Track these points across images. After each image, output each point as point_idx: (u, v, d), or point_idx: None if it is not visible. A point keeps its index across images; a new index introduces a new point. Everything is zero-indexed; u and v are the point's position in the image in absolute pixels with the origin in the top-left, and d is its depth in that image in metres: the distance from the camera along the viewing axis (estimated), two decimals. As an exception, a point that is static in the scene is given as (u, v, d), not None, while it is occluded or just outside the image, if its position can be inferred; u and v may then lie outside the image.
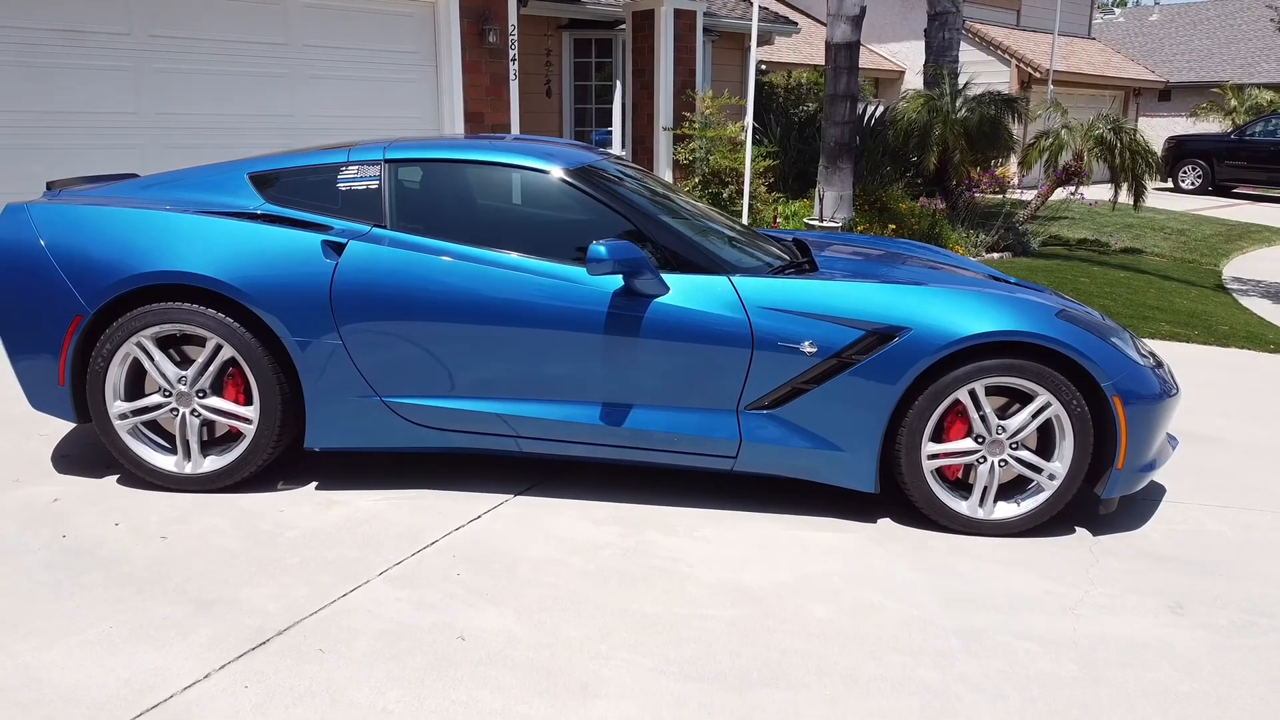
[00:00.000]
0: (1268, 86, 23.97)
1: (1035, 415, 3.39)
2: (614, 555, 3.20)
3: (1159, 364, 3.75)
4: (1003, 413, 3.44)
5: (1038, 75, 19.94)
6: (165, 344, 3.48)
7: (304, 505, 3.48)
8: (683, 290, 3.40)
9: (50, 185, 3.96)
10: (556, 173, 3.59)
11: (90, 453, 3.87)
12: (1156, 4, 33.40)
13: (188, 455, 3.52)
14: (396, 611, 2.78)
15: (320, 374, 3.44)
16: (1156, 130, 26.12)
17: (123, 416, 3.49)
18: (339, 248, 3.42)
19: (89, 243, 3.42)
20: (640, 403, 3.46)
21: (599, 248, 3.20)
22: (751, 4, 9.14)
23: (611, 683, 2.49)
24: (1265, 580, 3.26)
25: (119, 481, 3.61)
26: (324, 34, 8.13)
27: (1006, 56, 20.38)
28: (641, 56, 10.39)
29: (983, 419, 3.40)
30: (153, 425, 3.57)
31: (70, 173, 6.88)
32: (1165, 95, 26.15)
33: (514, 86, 9.07)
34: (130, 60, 7.21)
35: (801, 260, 3.95)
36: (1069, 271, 9.97)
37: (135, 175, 4.47)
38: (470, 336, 3.41)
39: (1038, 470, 3.45)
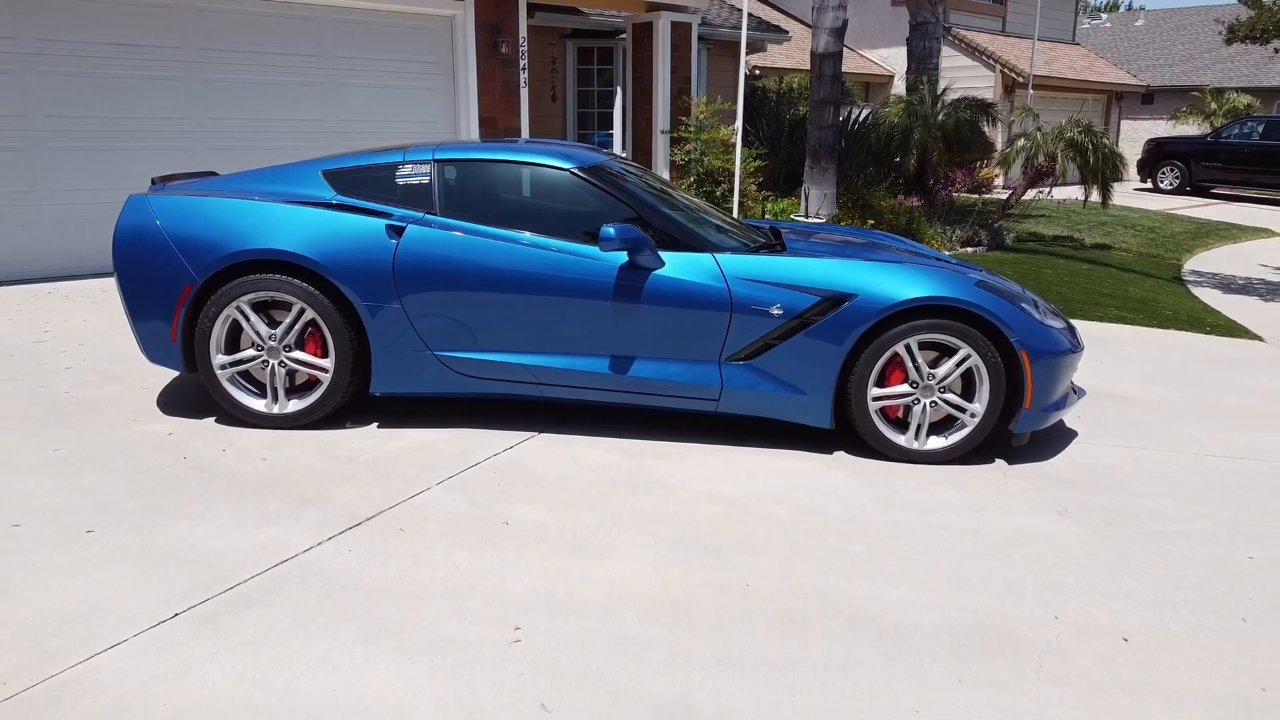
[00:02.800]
0: (1245, 90, 24.81)
1: (959, 365, 4.22)
2: (619, 473, 4.04)
3: (1068, 327, 4.59)
4: (933, 363, 4.27)
5: (1020, 80, 20.78)
6: (258, 308, 4.30)
7: (370, 439, 4.31)
8: (676, 264, 4.23)
9: (154, 181, 4.78)
10: (574, 170, 4.42)
11: (189, 399, 4.70)
12: (1142, 10, 34.23)
13: (275, 399, 4.35)
14: (454, 506, 3.61)
15: (384, 333, 4.27)
16: (1139, 132, 27.00)
17: (223, 367, 4.32)
18: (399, 231, 4.25)
19: (199, 226, 4.25)
20: (640, 356, 4.29)
21: (609, 229, 4.04)
22: (744, 13, 9.92)
23: (620, 550, 3.32)
24: (1140, 495, 4.10)
25: (217, 421, 4.44)
26: (353, 46, 8.97)
27: (991, 62, 21.23)
28: (641, 65, 11.22)
29: (916, 368, 4.23)
30: (246, 375, 4.39)
31: (128, 172, 7.77)
32: (1148, 99, 27.00)
33: (524, 93, 9.91)
34: (181, 71, 8.04)
35: (774, 242, 4.79)
36: (1034, 264, 10.81)
37: (215, 173, 5.30)
38: (504, 302, 4.24)
39: (962, 410, 4.28)
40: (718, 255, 4.28)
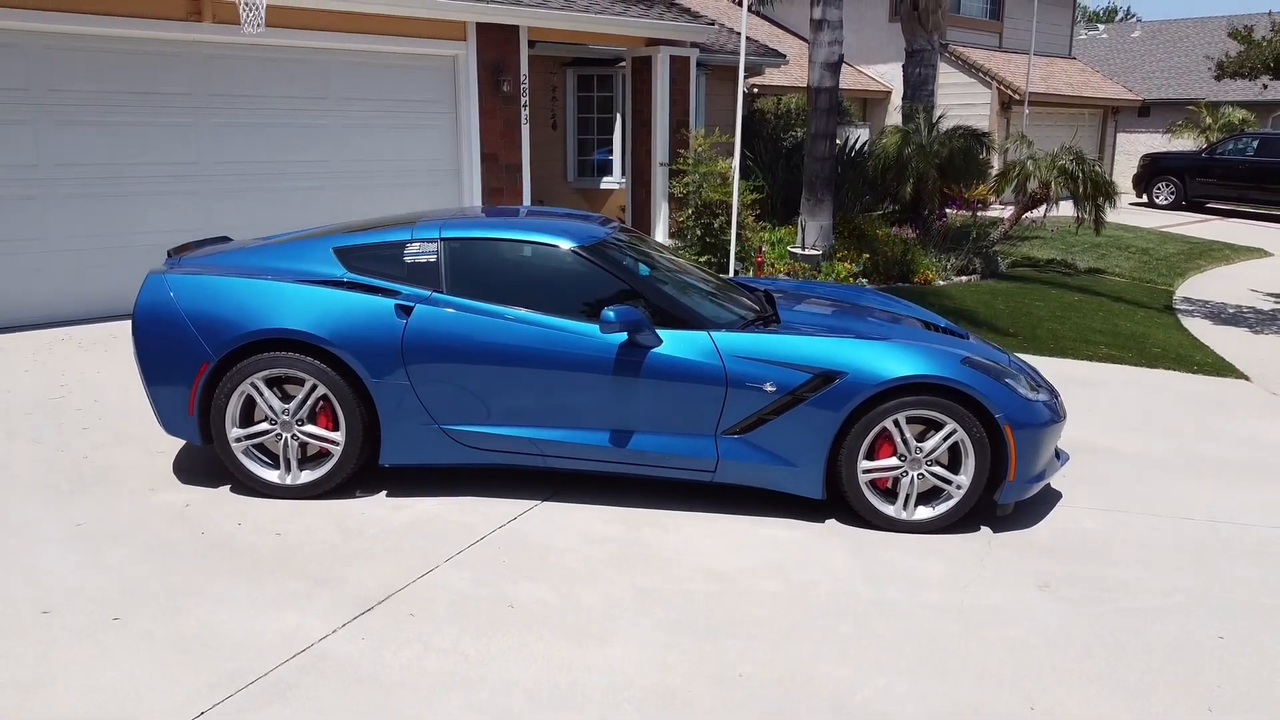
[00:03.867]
0: (1240, 104, 25.02)
1: (945, 439, 4.40)
2: (619, 546, 4.21)
3: (1052, 395, 4.77)
4: (921, 437, 4.44)
5: (1017, 97, 20.95)
6: (271, 382, 4.48)
7: (379, 509, 4.49)
8: (673, 342, 4.41)
9: (170, 253, 4.96)
10: (576, 249, 4.60)
11: (203, 466, 4.87)
12: (1139, 21, 34.39)
13: (288, 470, 4.53)
14: (462, 586, 3.79)
15: (393, 407, 4.44)
16: (1135, 145, 27.20)
17: (238, 440, 4.49)
18: (408, 310, 4.43)
19: (214, 306, 4.43)
20: (640, 429, 4.47)
21: (609, 313, 4.21)
22: (741, 35, 10.08)
23: (620, 634, 3.49)
24: (1117, 564, 4.27)
25: (232, 490, 4.61)
26: (358, 87, 9.15)
27: (988, 79, 21.40)
28: (640, 97, 11.40)
29: (904, 442, 4.41)
30: (260, 446, 4.57)
31: (138, 216, 7.95)
32: (1144, 111, 27.20)
33: (525, 130, 10.09)
34: (190, 116, 8.22)
35: (768, 311, 4.96)
36: (1027, 295, 10.98)
37: (228, 239, 5.48)
38: (509, 378, 4.42)
39: (948, 482, 4.46)
40: (713, 333, 4.45)
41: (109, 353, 6.93)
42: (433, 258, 4.59)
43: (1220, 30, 29.84)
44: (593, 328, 4.41)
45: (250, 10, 7.35)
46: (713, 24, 11.96)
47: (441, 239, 4.63)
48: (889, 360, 4.35)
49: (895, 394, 4.35)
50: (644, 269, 4.81)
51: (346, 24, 8.71)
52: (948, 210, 13.18)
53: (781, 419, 4.38)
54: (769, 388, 4.35)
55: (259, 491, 4.55)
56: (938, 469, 4.45)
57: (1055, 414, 4.62)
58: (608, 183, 13.64)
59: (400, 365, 4.40)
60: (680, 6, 11.92)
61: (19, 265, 7.53)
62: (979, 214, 14.93)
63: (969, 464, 4.41)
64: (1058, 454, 4.88)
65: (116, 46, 7.74)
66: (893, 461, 4.44)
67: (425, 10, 8.96)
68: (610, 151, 13.62)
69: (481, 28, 9.52)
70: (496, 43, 9.69)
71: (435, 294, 4.51)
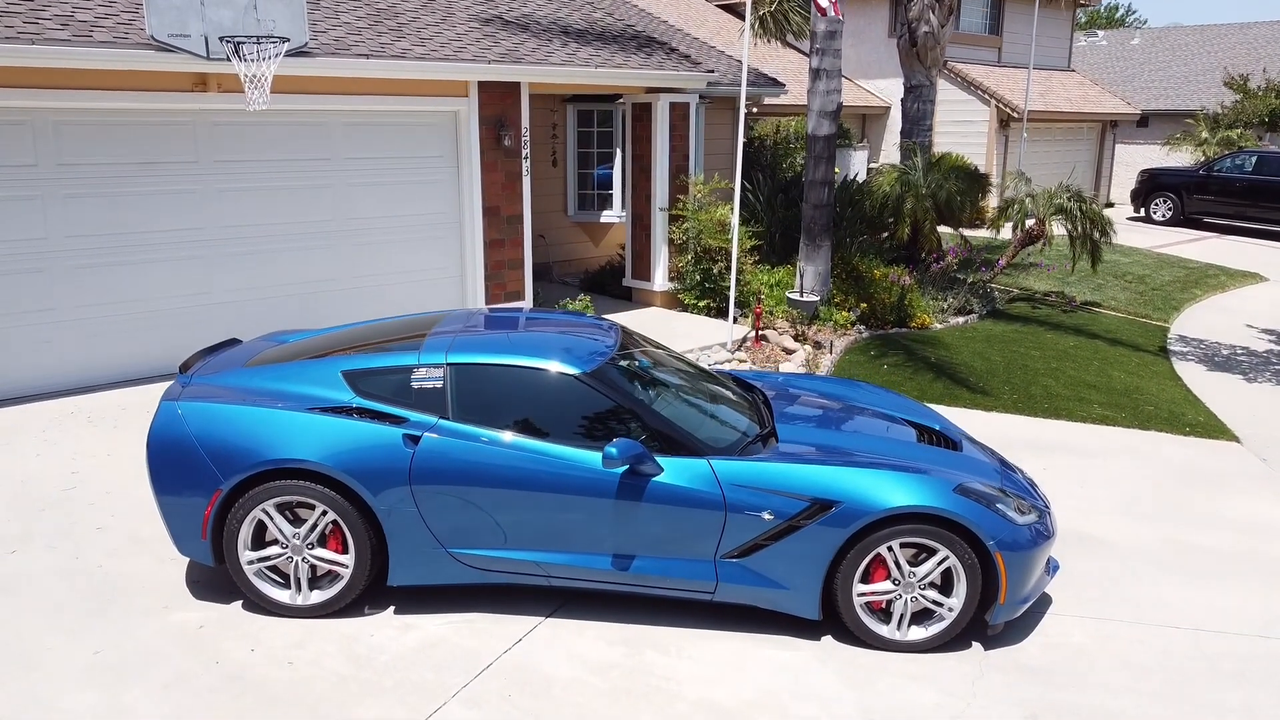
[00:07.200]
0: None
1: (938, 564, 4.53)
2: (622, 675, 4.34)
3: (1044, 512, 4.88)
4: (914, 561, 4.57)
5: (1015, 115, 21.00)
6: (282, 507, 4.60)
7: (387, 629, 4.62)
8: (673, 471, 4.53)
9: (181, 368, 5.08)
10: (578, 375, 4.71)
11: (215, 580, 4.99)
12: (1138, 27, 34.37)
13: (299, 590, 4.66)
14: (469, 730, 3.92)
15: (400, 532, 4.57)
16: (1133, 157, 27.26)
17: (250, 563, 4.62)
18: (415, 439, 4.55)
19: (227, 434, 4.54)
20: (641, 553, 4.59)
21: (611, 449, 4.34)
22: (743, 84, 10.15)
23: (623, 788, 3.63)
24: (1103, 689, 4.41)
25: (244, 607, 4.74)
26: (361, 147, 9.23)
27: (986, 97, 21.45)
28: (640, 143, 11.47)
29: (898, 566, 4.54)
30: (272, 568, 4.69)
31: (145, 284, 8.06)
32: (1143, 122, 27.23)
33: (526, 182, 10.18)
34: (196, 184, 8.31)
35: (766, 426, 5.07)
36: (1022, 342, 11.08)
37: (238, 340, 5.60)
38: (514, 505, 4.54)
39: (940, 605, 4.59)
40: (713, 460, 4.57)
41: (118, 428, 7.04)
42: (439, 383, 4.70)
43: (1219, 39, 29.90)
44: (595, 456, 4.53)
45: (256, 86, 7.43)
46: (712, 71, 12.00)
47: (448, 364, 4.75)
48: (884, 489, 4.48)
49: (890, 522, 4.47)
50: (644, 388, 4.94)
51: (349, 87, 8.79)
52: (938, 261, 13.21)
53: (779, 544, 4.51)
54: (766, 515, 4.48)
55: (270, 610, 4.68)
56: (930, 592, 4.58)
57: (1046, 534, 4.75)
58: (608, 216, 13.75)
59: (408, 492, 4.52)
60: (680, 53, 11.98)
61: (29, 336, 7.64)
62: (978, 234, 14.99)
63: (961, 588, 4.54)
64: (1048, 565, 5.01)
65: (123, 119, 7.82)
66: (886, 585, 4.57)
67: (428, 73, 9.03)
68: (610, 169, 13.72)
69: (483, 85, 9.60)
70: (498, 98, 9.76)
71: (442, 421, 4.62)
